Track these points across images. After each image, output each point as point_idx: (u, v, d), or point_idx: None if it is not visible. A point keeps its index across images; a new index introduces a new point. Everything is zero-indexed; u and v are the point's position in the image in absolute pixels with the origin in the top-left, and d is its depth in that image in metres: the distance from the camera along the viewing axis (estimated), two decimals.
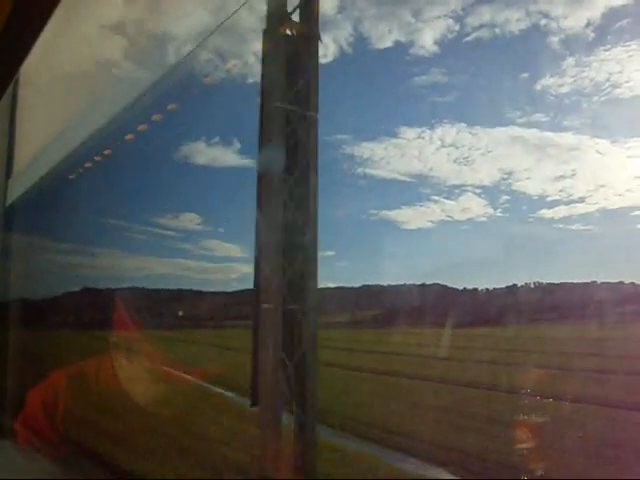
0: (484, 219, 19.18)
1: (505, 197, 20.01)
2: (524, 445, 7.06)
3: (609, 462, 6.92)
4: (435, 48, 27.00)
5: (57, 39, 4.52)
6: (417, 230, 20.61)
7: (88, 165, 7.04)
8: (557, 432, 7.73)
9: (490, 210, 19.21)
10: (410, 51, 28.98)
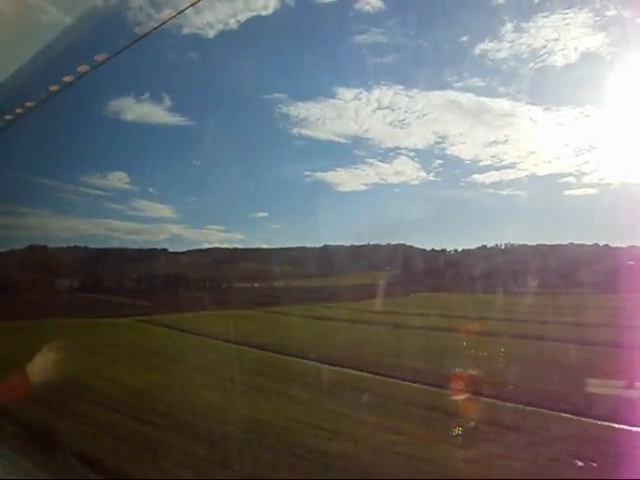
0: (417, 183, 22.48)
1: (438, 161, 23.74)
2: None
3: None
4: (380, 4, 22.92)
5: None
6: (351, 192, 21.97)
7: (8, 118, 6.37)
8: None
9: (423, 174, 23.00)
10: (355, 6, 23.72)
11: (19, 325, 20.82)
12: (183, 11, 4.53)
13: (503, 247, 28.49)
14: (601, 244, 26.31)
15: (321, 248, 31.62)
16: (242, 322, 23.88)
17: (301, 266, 31.60)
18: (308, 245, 33.96)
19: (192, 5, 5.22)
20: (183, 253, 36.36)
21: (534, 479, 7.42)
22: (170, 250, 35.94)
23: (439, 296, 28.57)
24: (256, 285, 32.41)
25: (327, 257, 32.00)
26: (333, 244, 30.64)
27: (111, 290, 29.93)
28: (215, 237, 48.72)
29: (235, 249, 37.01)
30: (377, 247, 30.85)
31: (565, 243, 27.62)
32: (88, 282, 30.97)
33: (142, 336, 21.57)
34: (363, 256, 31.20)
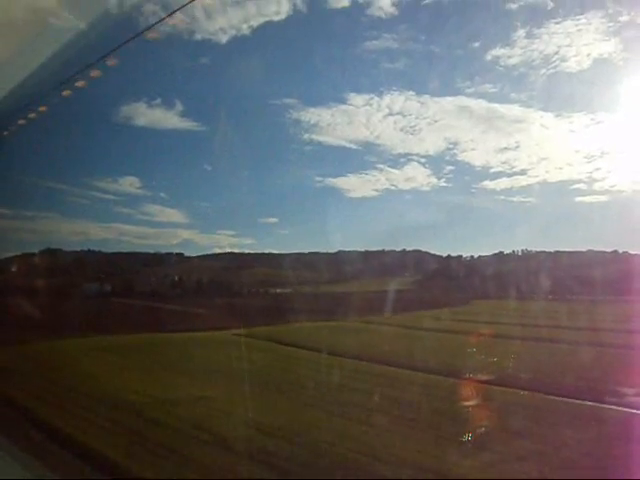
0: (427, 189, 24.60)
1: (449, 167, 25.97)
2: None
3: None
4: (392, 10, 22.41)
5: None
6: (362, 198, 26.31)
7: (21, 123, 6.43)
8: None
9: (434, 180, 25.11)
10: (366, 12, 23.00)
11: (107, 342, 18.46)
12: (183, 7, 4.46)
13: (520, 254, 27.94)
14: (620, 251, 25.61)
15: (335, 254, 30.96)
16: (359, 336, 20.53)
17: (343, 271, 30.53)
18: (323, 250, 33.22)
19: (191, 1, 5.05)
20: (199, 257, 36.03)
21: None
22: (186, 254, 35.72)
23: (502, 304, 26.43)
24: (312, 291, 30.40)
25: (356, 262, 30.67)
26: (347, 249, 30.04)
27: (154, 296, 26.86)
28: (226, 242, 48.88)
29: (259, 254, 36.50)
30: (392, 253, 30.23)
31: (583, 250, 26.96)
32: (118, 288, 28.96)
33: (282, 360, 17.72)
34: (384, 262, 30.22)
